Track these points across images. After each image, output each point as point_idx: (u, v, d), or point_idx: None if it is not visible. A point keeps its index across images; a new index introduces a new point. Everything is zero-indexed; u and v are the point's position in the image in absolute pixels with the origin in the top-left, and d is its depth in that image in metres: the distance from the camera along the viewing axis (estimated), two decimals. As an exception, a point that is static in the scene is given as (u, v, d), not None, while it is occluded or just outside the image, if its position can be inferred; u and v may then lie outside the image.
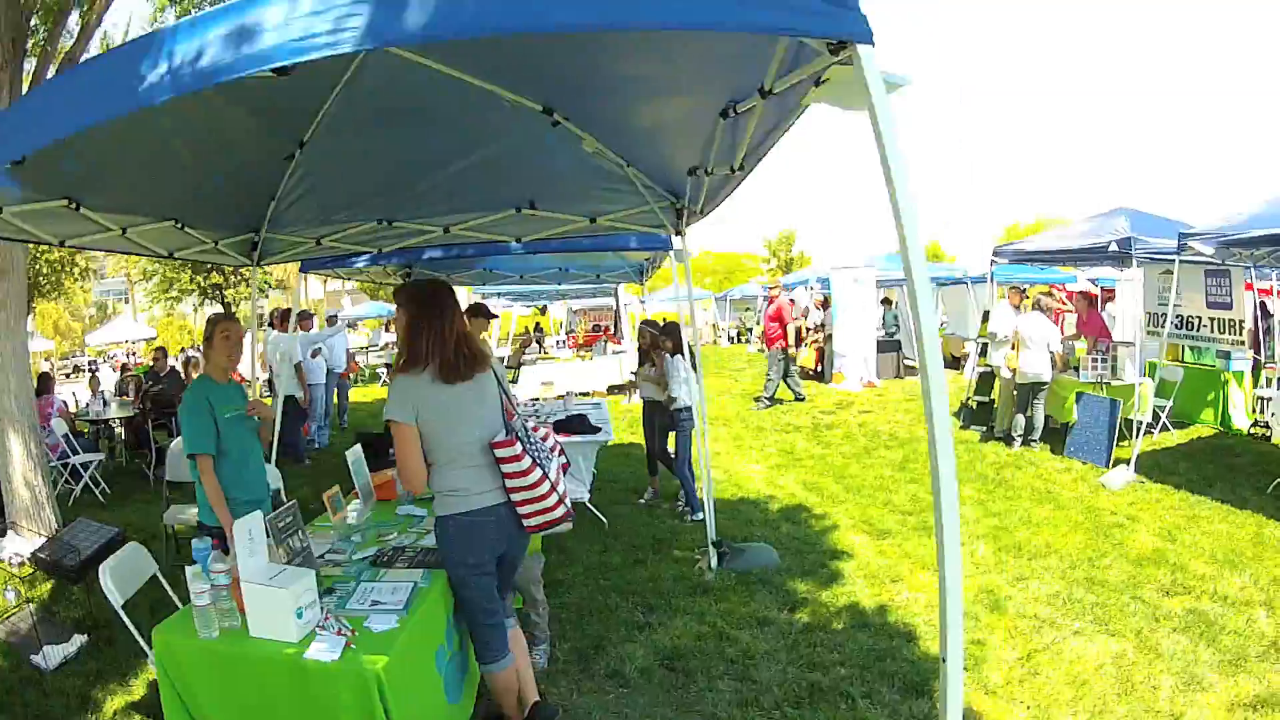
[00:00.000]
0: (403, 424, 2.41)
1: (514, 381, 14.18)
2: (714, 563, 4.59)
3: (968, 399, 8.96)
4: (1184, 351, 8.95)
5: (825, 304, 14.29)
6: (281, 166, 3.25)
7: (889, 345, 13.85)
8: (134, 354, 21.26)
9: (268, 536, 2.45)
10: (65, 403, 9.48)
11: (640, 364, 6.12)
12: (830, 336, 13.08)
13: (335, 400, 10.35)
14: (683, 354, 5.64)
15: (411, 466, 2.45)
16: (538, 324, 23.12)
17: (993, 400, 8.34)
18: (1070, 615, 3.81)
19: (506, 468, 2.48)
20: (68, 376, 22.99)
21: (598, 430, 5.71)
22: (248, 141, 2.90)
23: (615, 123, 2.89)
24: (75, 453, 7.14)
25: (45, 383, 8.32)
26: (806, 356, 14.47)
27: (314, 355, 8.90)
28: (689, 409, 5.62)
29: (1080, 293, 8.57)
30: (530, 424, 2.74)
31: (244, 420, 3.26)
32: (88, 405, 9.41)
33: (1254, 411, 8.03)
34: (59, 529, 5.19)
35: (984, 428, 8.31)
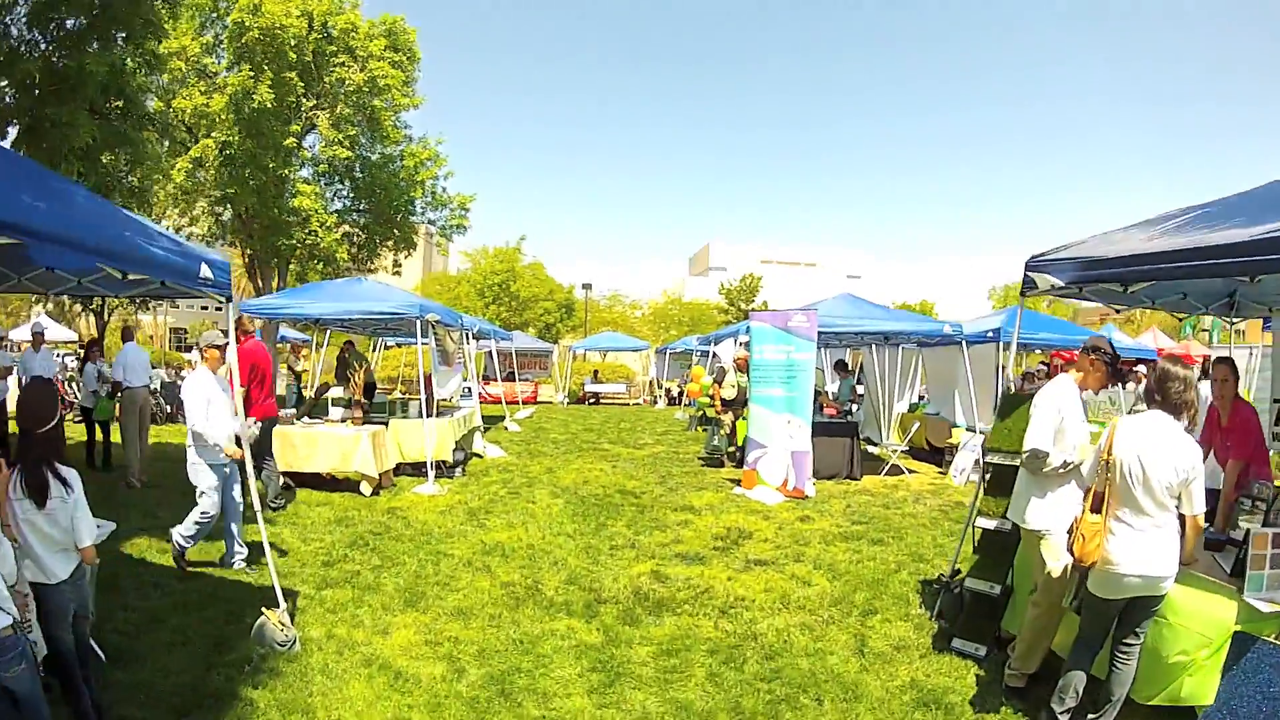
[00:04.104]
0: None
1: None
2: None
3: (952, 572, 4.30)
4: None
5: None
6: None
7: (839, 428, 9.32)
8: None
9: None
10: None
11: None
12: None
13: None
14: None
15: None
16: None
17: (1008, 591, 3.72)
18: None
19: None
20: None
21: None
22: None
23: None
24: None
25: None
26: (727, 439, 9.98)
27: None
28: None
29: (1219, 359, 3.93)
30: None
31: None
32: None
33: None
34: None
35: (985, 650, 3.73)
